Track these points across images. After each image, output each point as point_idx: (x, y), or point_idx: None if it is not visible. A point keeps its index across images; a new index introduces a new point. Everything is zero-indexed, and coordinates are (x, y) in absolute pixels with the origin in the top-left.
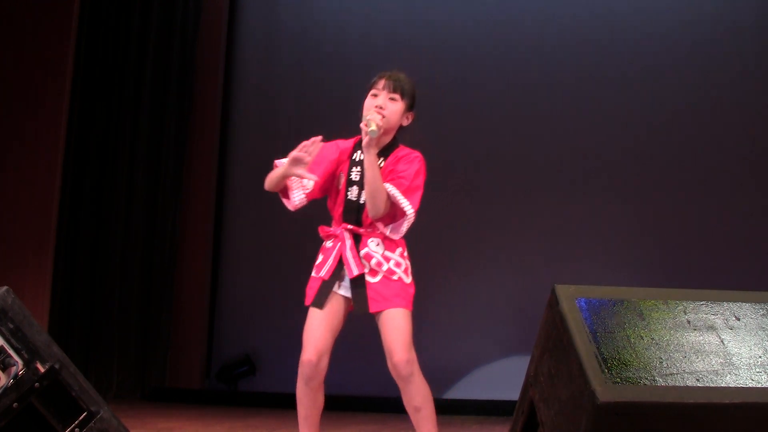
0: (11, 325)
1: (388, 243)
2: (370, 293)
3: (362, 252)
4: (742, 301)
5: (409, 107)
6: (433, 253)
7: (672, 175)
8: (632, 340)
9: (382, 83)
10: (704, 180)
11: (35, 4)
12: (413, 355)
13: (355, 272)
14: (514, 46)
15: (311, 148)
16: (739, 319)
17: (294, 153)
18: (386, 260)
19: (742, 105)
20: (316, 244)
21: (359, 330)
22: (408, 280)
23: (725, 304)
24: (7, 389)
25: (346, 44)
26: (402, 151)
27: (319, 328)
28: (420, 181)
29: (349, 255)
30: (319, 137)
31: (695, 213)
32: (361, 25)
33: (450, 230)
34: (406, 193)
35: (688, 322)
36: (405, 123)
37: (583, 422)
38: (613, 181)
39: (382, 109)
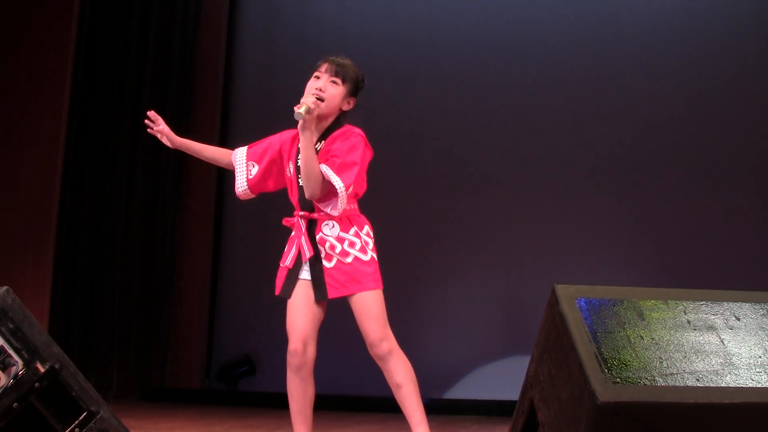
0: (11, 325)
1: (344, 224)
2: (327, 279)
3: (317, 237)
4: (742, 301)
5: (351, 93)
6: (433, 252)
7: (672, 174)
8: (632, 340)
9: (325, 66)
10: (704, 179)
11: (35, 4)
12: (387, 333)
13: (307, 255)
14: (513, 45)
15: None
16: (739, 319)
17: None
18: (340, 242)
19: (742, 104)
20: None
21: (357, 329)
22: (366, 257)
23: (725, 304)
24: (7, 389)
25: (346, 44)
26: (340, 129)
27: (298, 317)
28: (356, 156)
29: (302, 240)
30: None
31: (695, 213)
32: (362, 25)
33: (450, 230)
34: (338, 169)
35: (688, 322)
36: (346, 108)
37: (583, 422)
38: (613, 181)
39: (322, 91)
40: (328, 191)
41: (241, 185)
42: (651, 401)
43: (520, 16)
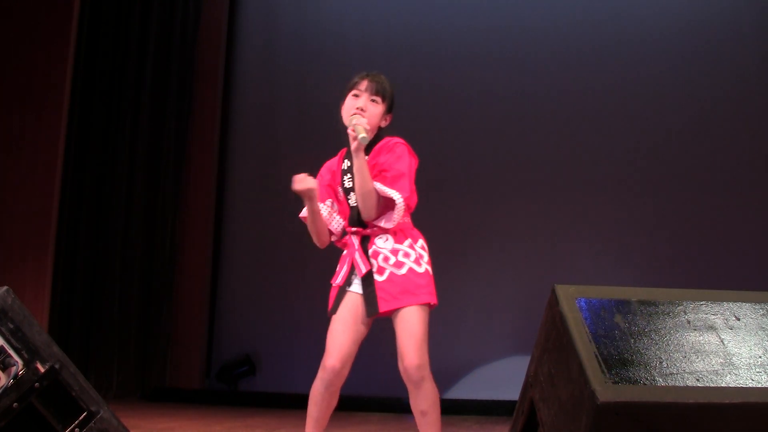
0: (11, 325)
1: (398, 237)
2: (378, 293)
3: (370, 250)
4: (742, 301)
5: (389, 109)
6: (433, 253)
7: (672, 175)
8: (632, 340)
9: (364, 84)
10: (705, 180)
11: (35, 4)
12: (425, 360)
13: (363, 270)
14: (516, 48)
15: (302, 178)
16: (739, 319)
17: (299, 189)
18: (394, 253)
19: (744, 105)
20: (315, 245)
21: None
22: (420, 269)
23: (725, 304)
24: (7, 389)
25: (345, 45)
26: (381, 142)
27: (343, 334)
28: (402, 165)
29: (357, 256)
30: (303, 175)
31: (695, 213)
32: (361, 26)
33: (450, 230)
34: (391, 182)
35: (688, 322)
36: (384, 124)
37: (583, 422)
38: (613, 182)
39: (363, 111)
40: (383, 207)
41: (338, 224)
42: (651, 401)
43: (526, 22)
